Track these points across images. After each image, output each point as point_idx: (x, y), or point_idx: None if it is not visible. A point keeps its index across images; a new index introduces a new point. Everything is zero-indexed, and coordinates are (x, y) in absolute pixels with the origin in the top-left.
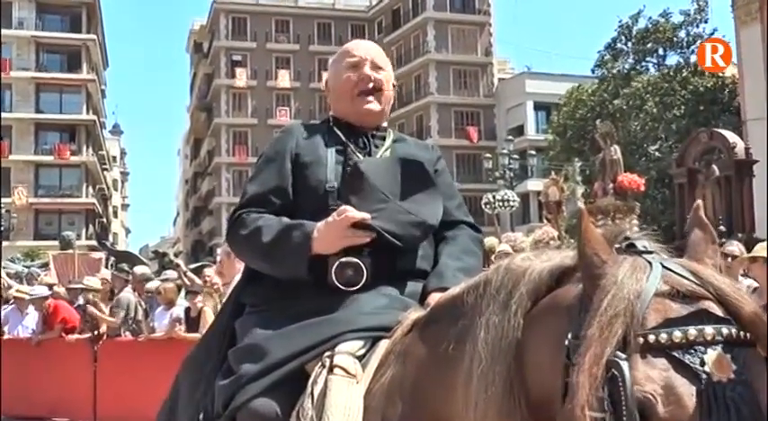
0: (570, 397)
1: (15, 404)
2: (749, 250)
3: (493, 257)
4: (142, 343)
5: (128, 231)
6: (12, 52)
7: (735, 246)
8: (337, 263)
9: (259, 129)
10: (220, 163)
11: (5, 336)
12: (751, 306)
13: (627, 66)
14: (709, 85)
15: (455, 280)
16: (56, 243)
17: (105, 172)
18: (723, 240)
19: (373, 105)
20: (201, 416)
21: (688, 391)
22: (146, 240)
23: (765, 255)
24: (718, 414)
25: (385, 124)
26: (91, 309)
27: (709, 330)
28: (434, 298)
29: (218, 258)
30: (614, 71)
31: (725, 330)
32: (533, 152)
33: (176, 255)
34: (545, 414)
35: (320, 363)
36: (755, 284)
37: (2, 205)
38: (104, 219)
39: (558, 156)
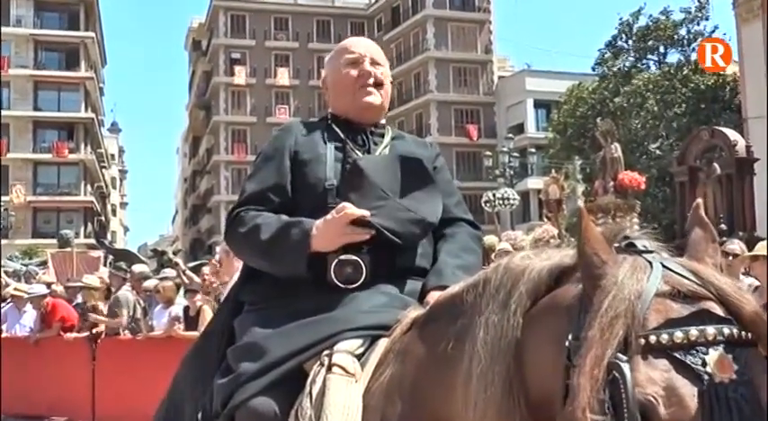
0: (571, 399)
1: (14, 403)
2: (750, 248)
3: (493, 256)
4: (141, 341)
5: (126, 229)
6: (10, 50)
7: (736, 245)
8: (336, 260)
9: (258, 127)
10: (219, 161)
11: (3, 335)
12: (752, 306)
13: (627, 63)
14: (710, 83)
15: (454, 278)
16: (54, 241)
17: (104, 170)
18: (724, 239)
19: (374, 98)
20: (200, 415)
21: (690, 392)
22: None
23: (766, 254)
24: (721, 415)
25: (383, 121)
26: (94, 316)
27: (710, 330)
28: (434, 296)
29: (217, 257)
30: (615, 69)
31: (726, 330)
32: (533, 150)
33: (175, 254)
34: (544, 414)
35: (319, 362)
36: (756, 283)
37: (0, 203)
38: (103, 218)
39: (559, 154)
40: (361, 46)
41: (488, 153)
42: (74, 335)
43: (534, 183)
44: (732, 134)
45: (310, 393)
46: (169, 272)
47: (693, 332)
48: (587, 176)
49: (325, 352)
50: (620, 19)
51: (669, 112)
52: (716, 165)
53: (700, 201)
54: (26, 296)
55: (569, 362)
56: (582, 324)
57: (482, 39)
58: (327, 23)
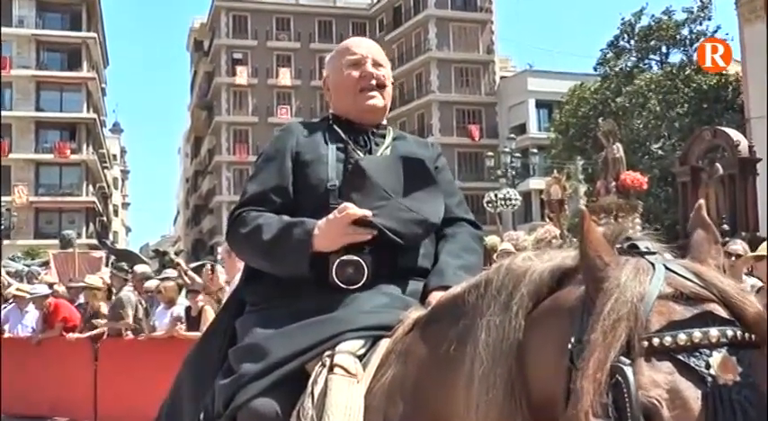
0: (574, 402)
1: (15, 403)
2: (753, 249)
3: (495, 256)
4: (143, 342)
5: (128, 230)
6: (12, 50)
7: (738, 245)
8: (338, 261)
9: (260, 128)
10: (221, 161)
11: (5, 335)
12: (755, 307)
13: (629, 63)
14: (712, 83)
15: (456, 278)
16: (56, 241)
17: (106, 170)
18: (727, 239)
19: (377, 101)
20: (202, 416)
21: (694, 395)
22: (146, 239)
23: None
24: (725, 417)
25: (384, 122)
26: (100, 322)
27: (713, 332)
28: (435, 297)
29: (219, 257)
30: (617, 69)
31: (730, 332)
32: (535, 150)
33: (177, 254)
34: (547, 416)
35: (320, 363)
36: (759, 283)
37: (2, 204)
38: (105, 218)
39: (561, 155)
40: (363, 47)
41: (490, 153)
42: (76, 335)
43: (536, 183)
44: (735, 134)
45: (312, 394)
46: (171, 272)
47: (697, 334)
48: (589, 177)
49: (327, 352)
50: (623, 19)
51: (671, 112)
52: (718, 165)
53: (702, 201)
54: (28, 296)
55: (572, 364)
56: (584, 326)
57: (484, 39)
58: (329, 24)
